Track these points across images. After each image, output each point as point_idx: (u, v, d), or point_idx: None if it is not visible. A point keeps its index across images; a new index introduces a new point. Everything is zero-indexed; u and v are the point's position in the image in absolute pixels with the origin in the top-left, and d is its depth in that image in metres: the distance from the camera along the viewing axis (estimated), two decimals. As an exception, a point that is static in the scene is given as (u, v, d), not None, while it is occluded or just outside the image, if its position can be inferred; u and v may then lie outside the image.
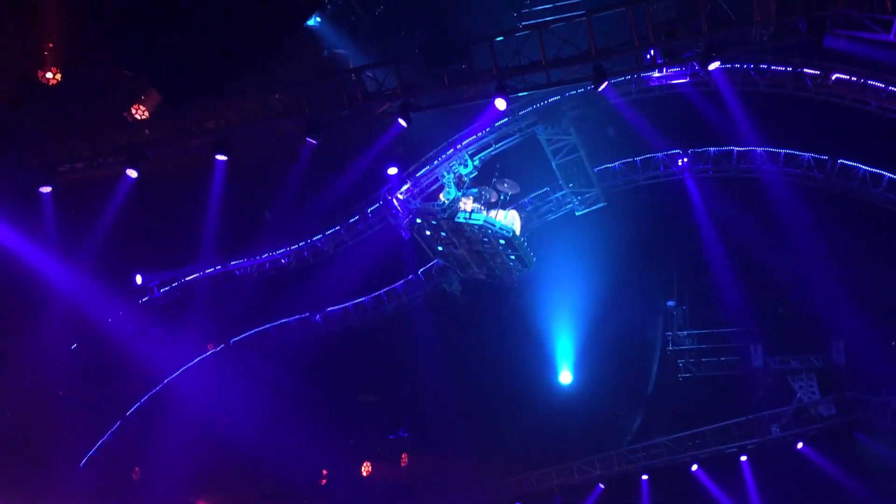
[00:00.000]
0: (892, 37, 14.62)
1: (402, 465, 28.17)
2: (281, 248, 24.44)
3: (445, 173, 21.36)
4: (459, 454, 27.06)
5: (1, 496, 21.50)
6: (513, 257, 21.96)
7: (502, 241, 21.29)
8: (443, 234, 21.66)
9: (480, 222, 20.83)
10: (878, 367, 23.39)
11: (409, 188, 22.35)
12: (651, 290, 26.56)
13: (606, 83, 17.01)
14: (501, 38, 17.18)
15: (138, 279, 24.22)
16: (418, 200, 21.89)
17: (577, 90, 20.11)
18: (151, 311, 24.64)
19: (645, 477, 26.22)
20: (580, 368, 26.47)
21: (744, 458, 25.20)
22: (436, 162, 22.08)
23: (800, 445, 24.68)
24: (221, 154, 18.67)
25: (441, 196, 21.35)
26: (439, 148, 22.05)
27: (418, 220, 21.48)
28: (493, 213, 21.02)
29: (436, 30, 20.94)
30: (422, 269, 24.58)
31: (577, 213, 23.48)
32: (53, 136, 19.46)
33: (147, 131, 19.36)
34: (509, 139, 21.82)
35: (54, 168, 19.25)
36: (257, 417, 25.29)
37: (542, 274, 23.49)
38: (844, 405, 24.28)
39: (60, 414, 23.06)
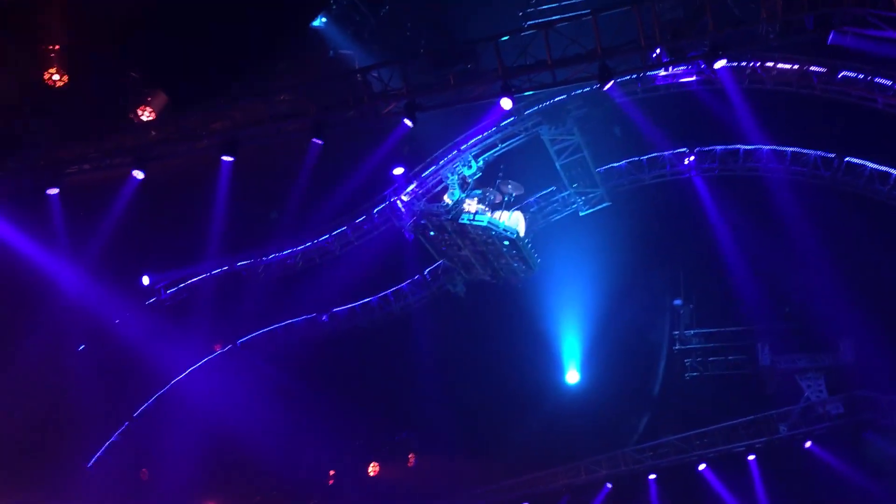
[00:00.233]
0: (899, 34, 14.58)
1: (409, 465, 28.20)
2: (287, 249, 24.47)
3: (450, 175, 21.35)
4: (466, 454, 27.05)
5: (9, 496, 21.56)
6: (517, 259, 21.94)
7: (506, 243, 21.26)
8: (447, 235, 21.65)
9: (484, 224, 20.79)
10: (887, 366, 23.32)
11: (414, 189, 22.35)
12: (658, 289, 26.55)
13: (612, 82, 16.95)
14: (507, 37, 17.12)
15: (145, 280, 24.26)
16: (422, 202, 21.90)
17: (581, 90, 20.10)
18: (158, 312, 24.68)
19: (652, 476, 26.19)
20: (587, 368, 26.46)
21: (752, 457, 25.16)
22: (441, 162, 22.07)
23: (808, 444, 24.64)
24: (228, 155, 18.69)
25: (445, 197, 21.36)
26: (445, 148, 22.04)
27: (422, 222, 21.48)
28: (497, 214, 20.98)
29: (441, 30, 20.95)
30: (428, 269, 24.59)
31: (580, 214, 23.47)
32: (60, 138, 19.49)
33: (153, 132, 19.36)
34: (514, 139, 21.78)
35: (61, 170, 19.27)
36: (264, 418, 25.29)
37: (549, 273, 23.46)
38: (853, 404, 24.23)
39: (68, 415, 23.09)
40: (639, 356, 26.85)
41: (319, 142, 18.53)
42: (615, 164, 23.03)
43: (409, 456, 28.20)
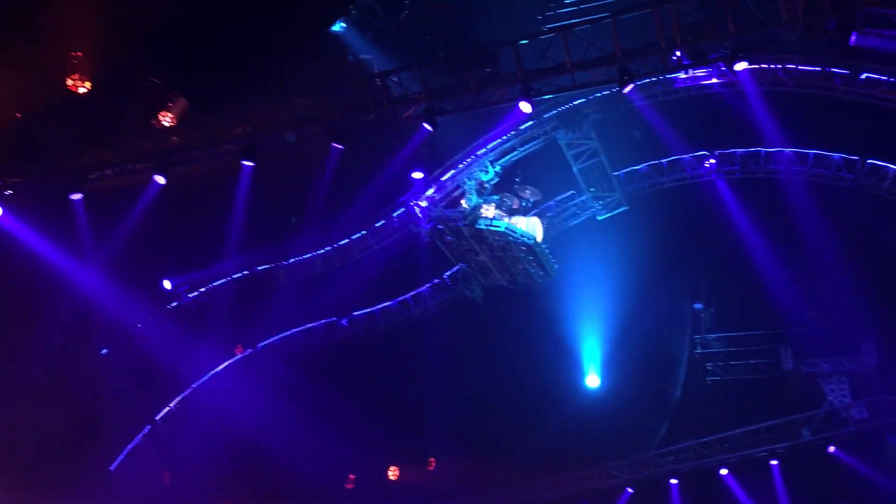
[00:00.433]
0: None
1: (430, 468, 28.18)
2: (307, 253, 24.57)
3: (467, 180, 21.34)
4: (487, 458, 26.99)
5: (33, 499, 21.74)
6: (534, 264, 21.86)
7: (523, 249, 21.21)
8: (464, 240, 21.64)
9: (502, 229, 20.75)
10: (911, 370, 23.11)
11: (432, 193, 22.37)
12: (678, 293, 26.39)
13: (632, 85, 16.92)
14: (526, 41, 17.14)
15: (167, 284, 24.42)
16: (440, 207, 21.91)
17: (600, 93, 20.04)
18: (180, 315, 24.83)
19: (674, 481, 26.03)
20: (607, 372, 26.33)
21: (774, 462, 24.96)
22: (461, 166, 22.09)
23: (831, 449, 24.41)
24: (248, 160, 18.79)
25: (463, 202, 21.35)
26: (464, 152, 22.06)
27: (439, 227, 21.47)
28: (514, 219, 20.93)
29: (460, 34, 20.96)
30: (447, 273, 24.60)
31: (598, 218, 23.38)
32: (83, 144, 19.68)
33: (174, 138, 19.52)
34: (533, 143, 21.77)
35: (84, 175, 19.46)
36: (284, 421, 25.38)
37: (569, 277, 23.40)
38: (877, 408, 23.98)
39: (92, 418, 23.28)
40: (659, 360, 26.70)
41: (339, 146, 18.61)
42: (635, 168, 22.95)
43: (430, 460, 28.19)
